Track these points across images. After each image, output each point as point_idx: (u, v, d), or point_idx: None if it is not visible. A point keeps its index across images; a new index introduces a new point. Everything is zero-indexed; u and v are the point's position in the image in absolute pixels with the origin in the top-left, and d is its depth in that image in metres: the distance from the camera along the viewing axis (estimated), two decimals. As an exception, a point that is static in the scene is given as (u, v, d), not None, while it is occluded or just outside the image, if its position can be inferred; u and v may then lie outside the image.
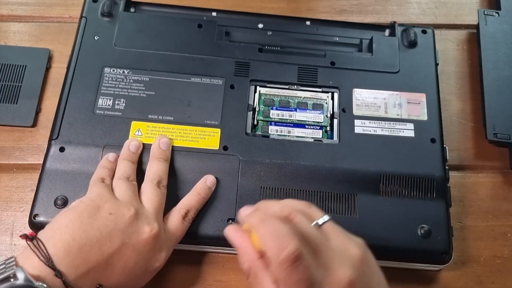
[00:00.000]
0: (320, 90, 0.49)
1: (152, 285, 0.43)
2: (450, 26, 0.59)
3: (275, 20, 0.54)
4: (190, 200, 0.42)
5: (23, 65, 0.52)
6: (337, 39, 0.53)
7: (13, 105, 0.50)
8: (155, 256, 0.38)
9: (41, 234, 0.35)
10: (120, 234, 0.36)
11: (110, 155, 0.43)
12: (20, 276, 0.32)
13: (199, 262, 0.44)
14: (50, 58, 0.53)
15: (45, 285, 0.32)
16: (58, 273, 0.33)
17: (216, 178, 0.44)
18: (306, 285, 0.31)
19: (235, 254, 0.44)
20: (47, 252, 0.34)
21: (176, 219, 0.41)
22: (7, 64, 0.52)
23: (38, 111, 0.51)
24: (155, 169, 0.42)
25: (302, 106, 0.49)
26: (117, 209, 0.37)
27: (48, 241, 0.35)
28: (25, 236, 0.35)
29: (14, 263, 0.33)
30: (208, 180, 0.43)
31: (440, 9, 0.60)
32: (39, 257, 0.33)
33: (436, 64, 0.51)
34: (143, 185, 0.42)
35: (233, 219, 0.43)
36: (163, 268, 0.42)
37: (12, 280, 0.32)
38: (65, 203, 0.42)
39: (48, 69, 0.53)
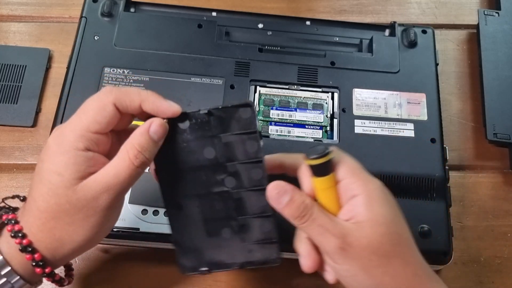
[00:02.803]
0: (320, 90, 0.49)
1: (152, 285, 0.43)
2: (450, 26, 0.59)
3: (275, 20, 0.54)
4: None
5: (23, 65, 0.52)
6: (337, 39, 0.53)
7: (13, 105, 0.50)
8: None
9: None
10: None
11: None
12: None
13: (199, 262, 0.44)
14: (50, 58, 0.53)
15: None
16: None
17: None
18: None
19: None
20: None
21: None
22: (7, 64, 0.52)
23: (38, 111, 0.51)
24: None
25: (302, 106, 0.49)
26: None
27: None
28: None
29: None
30: None
31: (440, 9, 0.60)
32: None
33: (436, 64, 0.51)
34: None
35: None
36: (163, 268, 0.42)
37: None
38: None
39: (48, 69, 0.53)
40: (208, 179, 0.35)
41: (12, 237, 0.32)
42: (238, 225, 0.36)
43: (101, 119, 0.33)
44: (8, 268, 0.32)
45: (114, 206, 0.34)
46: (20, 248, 0.32)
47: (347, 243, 0.31)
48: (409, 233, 0.33)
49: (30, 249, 0.32)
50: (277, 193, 0.33)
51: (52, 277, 0.34)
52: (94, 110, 0.33)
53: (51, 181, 0.32)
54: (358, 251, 0.31)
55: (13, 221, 0.33)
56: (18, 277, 0.32)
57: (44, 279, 0.34)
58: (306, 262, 0.34)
